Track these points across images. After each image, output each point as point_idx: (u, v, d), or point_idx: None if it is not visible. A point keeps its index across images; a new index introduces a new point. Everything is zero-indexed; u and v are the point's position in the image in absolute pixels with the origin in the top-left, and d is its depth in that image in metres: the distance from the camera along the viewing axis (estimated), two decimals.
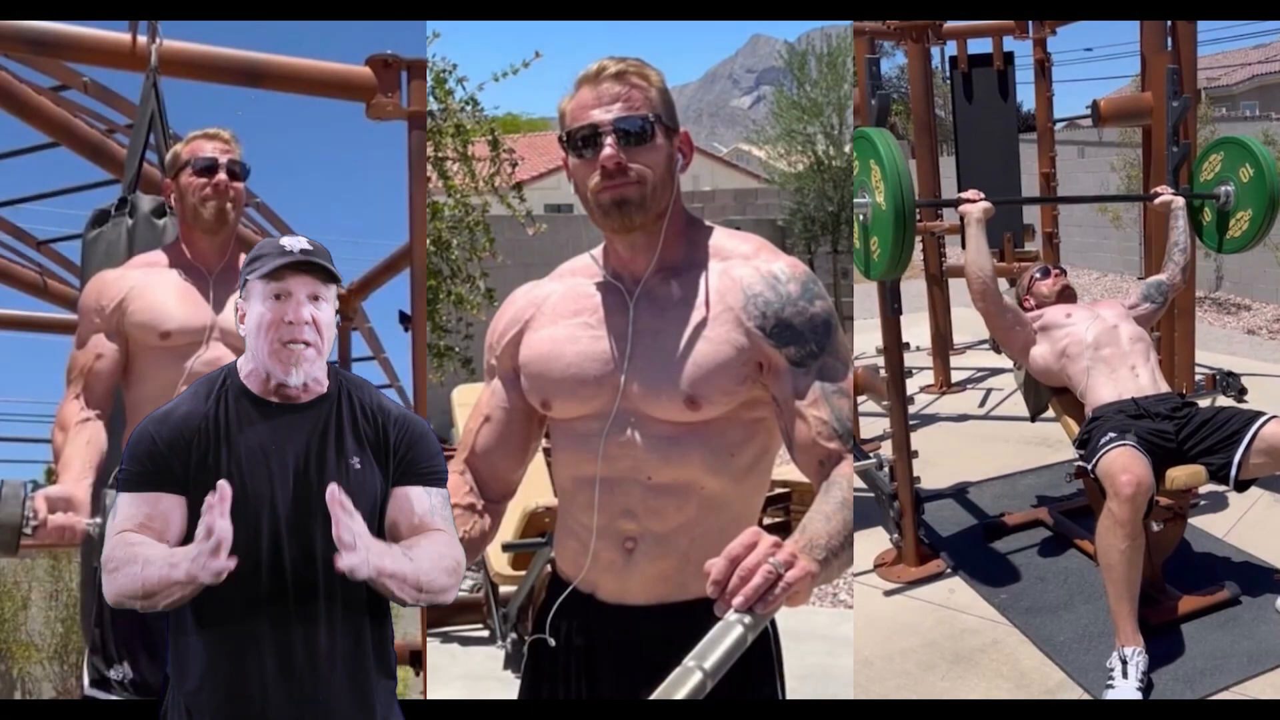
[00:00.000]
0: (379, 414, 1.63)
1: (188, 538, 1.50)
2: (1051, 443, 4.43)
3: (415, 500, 1.60)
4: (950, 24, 5.44)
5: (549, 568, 2.59)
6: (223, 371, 1.64)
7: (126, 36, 3.04)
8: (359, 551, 1.44)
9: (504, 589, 4.27)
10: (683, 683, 1.13)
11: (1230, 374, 4.19)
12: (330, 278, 1.60)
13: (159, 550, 1.47)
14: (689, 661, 1.15)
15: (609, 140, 1.49)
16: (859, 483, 3.67)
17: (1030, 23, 5.29)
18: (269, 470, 1.54)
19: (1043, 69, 5.69)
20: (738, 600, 1.19)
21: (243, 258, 2.39)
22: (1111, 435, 2.98)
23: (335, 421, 1.60)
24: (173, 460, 1.53)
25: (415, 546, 1.55)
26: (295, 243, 1.59)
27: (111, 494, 1.96)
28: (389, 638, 1.65)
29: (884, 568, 3.65)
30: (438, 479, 1.63)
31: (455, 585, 1.58)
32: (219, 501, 1.42)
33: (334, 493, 1.46)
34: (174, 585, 1.43)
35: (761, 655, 1.55)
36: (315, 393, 1.61)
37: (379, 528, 1.59)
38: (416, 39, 4.24)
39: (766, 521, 5.20)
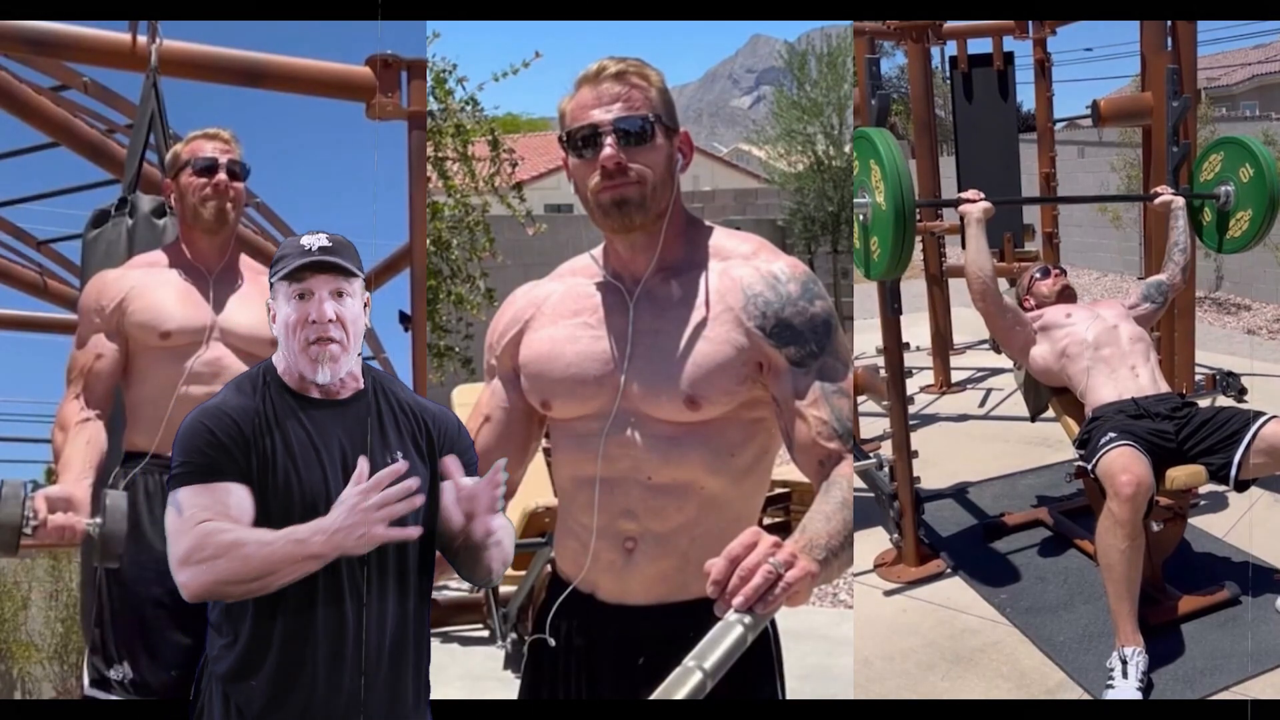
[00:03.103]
0: (417, 408, 1.67)
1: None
2: (1051, 443, 4.43)
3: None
4: (950, 24, 5.43)
5: (549, 568, 2.59)
6: (260, 368, 1.65)
7: (126, 36, 3.04)
8: (500, 517, 1.54)
9: (504, 589, 4.27)
10: (683, 683, 1.13)
11: (1230, 374, 4.19)
12: (352, 272, 1.61)
13: (270, 531, 1.49)
14: (689, 661, 1.15)
15: (609, 140, 1.49)
16: (859, 483, 3.67)
17: (1030, 23, 5.28)
18: (321, 464, 1.56)
19: (1043, 69, 5.68)
20: (738, 600, 1.19)
21: (243, 258, 2.42)
22: (1111, 435, 2.98)
23: (377, 416, 1.63)
24: (234, 450, 1.54)
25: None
26: (314, 240, 1.60)
27: (112, 494, 1.97)
28: (427, 629, 1.67)
29: (884, 568, 3.65)
30: (474, 471, 1.66)
31: (503, 571, 1.66)
32: (364, 475, 1.48)
33: (454, 464, 1.56)
34: (303, 561, 1.47)
35: (761, 655, 1.55)
36: (353, 388, 1.64)
37: (430, 521, 1.62)
38: (416, 39, 4.24)
39: (766, 521, 5.20)
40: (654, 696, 1.13)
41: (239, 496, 1.52)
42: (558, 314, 1.62)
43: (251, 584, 1.48)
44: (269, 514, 1.53)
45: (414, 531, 1.50)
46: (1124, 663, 2.76)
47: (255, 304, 2.36)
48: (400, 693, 1.60)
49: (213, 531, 1.48)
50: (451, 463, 1.57)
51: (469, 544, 1.59)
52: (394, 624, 1.58)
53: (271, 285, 1.62)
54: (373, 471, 1.55)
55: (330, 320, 1.58)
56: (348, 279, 1.61)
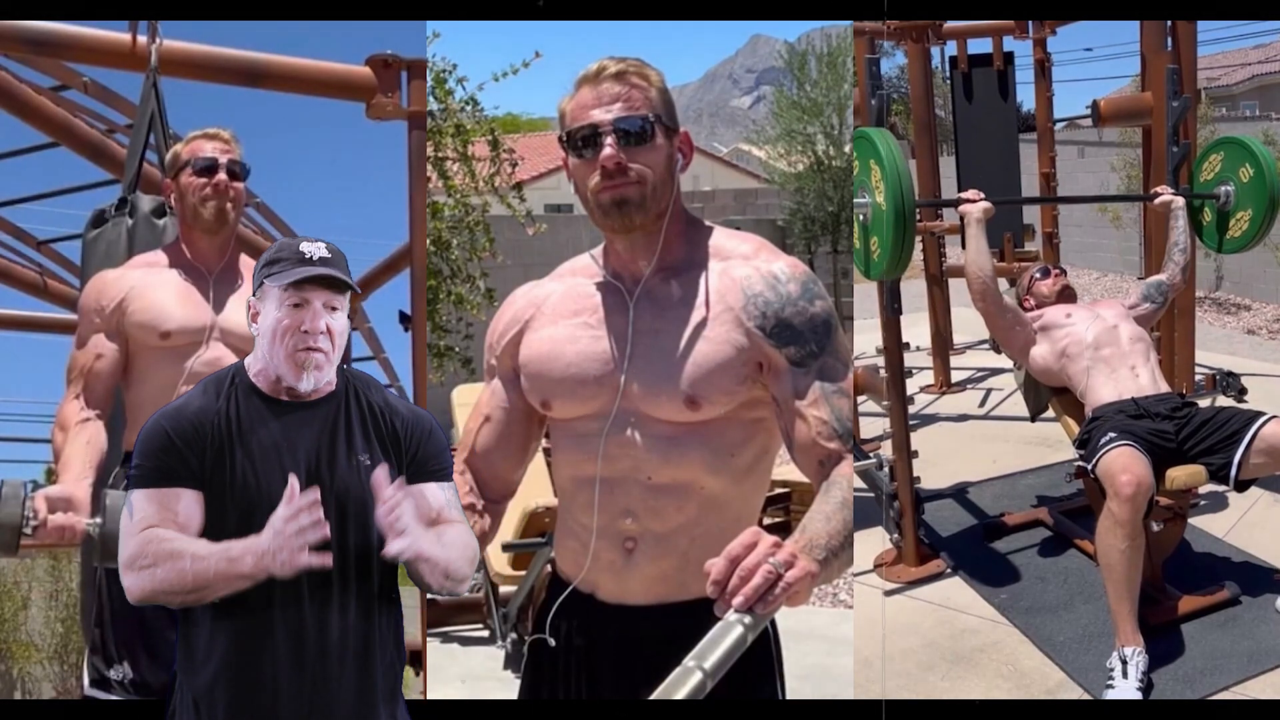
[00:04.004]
0: (387, 411, 1.65)
1: (205, 532, 1.53)
2: (1051, 443, 4.43)
3: (430, 495, 1.63)
4: (950, 24, 5.43)
5: (549, 568, 2.59)
6: (230, 370, 1.65)
7: (126, 36, 3.04)
8: (408, 536, 1.48)
9: (504, 589, 4.27)
10: (683, 683, 1.13)
11: (1230, 374, 4.19)
12: (348, 288, 1.61)
13: (207, 545, 1.49)
14: (689, 661, 1.15)
15: (609, 140, 1.49)
16: (859, 483, 3.67)
17: (1030, 23, 5.28)
18: (281, 467, 1.55)
19: (1043, 69, 5.68)
20: (738, 600, 1.19)
21: (243, 258, 2.42)
22: (1111, 435, 2.98)
23: (344, 419, 1.62)
24: (189, 455, 1.54)
25: (445, 534, 1.59)
26: (315, 249, 1.59)
27: (112, 494, 1.97)
28: (400, 630, 1.66)
29: (884, 568, 3.65)
30: (447, 475, 1.66)
31: (471, 575, 1.62)
32: (294, 494, 1.46)
33: (382, 475, 1.50)
34: (235, 579, 1.46)
35: (761, 655, 1.55)
36: (325, 391, 1.63)
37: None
38: (416, 39, 4.23)
39: (766, 521, 5.20)
40: (654, 696, 1.13)
41: (188, 502, 1.53)
42: (558, 314, 1.62)
43: (188, 595, 1.49)
44: (226, 516, 1.54)
45: (325, 559, 1.47)
46: (1124, 663, 2.76)
47: None
48: (367, 694, 1.59)
49: (154, 539, 1.49)
50: (380, 474, 1.52)
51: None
52: (357, 623, 1.58)
53: (261, 284, 1.61)
54: (334, 476, 1.56)
55: (322, 332, 1.58)
56: (342, 293, 1.61)
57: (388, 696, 1.63)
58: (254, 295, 1.63)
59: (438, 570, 1.54)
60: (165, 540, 1.49)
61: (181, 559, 1.47)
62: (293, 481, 1.48)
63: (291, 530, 1.45)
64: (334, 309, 1.60)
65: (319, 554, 1.46)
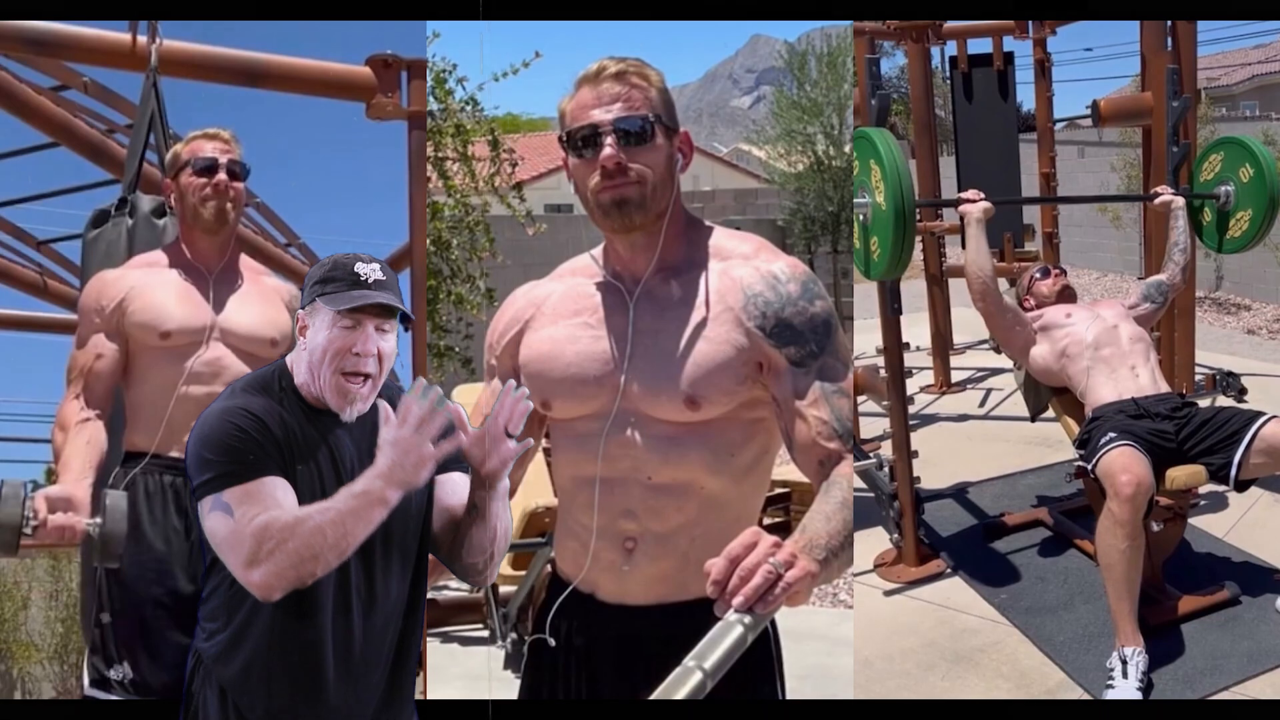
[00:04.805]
0: None
1: None
2: (1051, 443, 4.43)
3: (461, 484, 1.65)
4: (950, 24, 5.43)
5: (549, 568, 2.59)
6: (275, 372, 1.64)
7: (126, 36, 3.04)
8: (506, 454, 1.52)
9: (504, 589, 4.27)
10: (683, 683, 1.13)
11: (1230, 374, 4.19)
12: (400, 311, 1.62)
13: (323, 502, 1.48)
14: (689, 661, 1.15)
15: (609, 140, 1.49)
16: (859, 483, 3.66)
17: (1030, 23, 5.28)
18: (337, 473, 1.57)
19: (1043, 69, 5.68)
20: (738, 600, 1.19)
21: (243, 258, 2.42)
22: (1111, 435, 2.98)
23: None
24: (268, 447, 1.54)
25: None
26: (370, 271, 1.58)
27: (112, 494, 1.97)
28: (422, 623, 1.70)
29: (884, 568, 3.65)
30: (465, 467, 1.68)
31: (501, 559, 1.66)
32: (406, 414, 1.46)
33: (460, 413, 1.52)
34: (369, 509, 1.45)
35: (761, 655, 1.56)
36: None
37: (424, 524, 1.65)
38: (416, 39, 4.23)
39: (766, 521, 5.19)
40: (654, 696, 1.13)
41: (284, 489, 1.52)
42: (558, 314, 1.62)
43: (331, 552, 1.45)
44: None
45: (462, 439, 1.49)
46: (1124, 663, 2.76)
47: (255, 304, 2.36)
48: (400, 687, 1.64)
49: (270, 522, 1.46)
50: (458, 413, 1.53)
51: (476, 502, 1.57)
52: (392, 634, 1.61)
53: (312, 300, 1.60)
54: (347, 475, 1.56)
55: (372, 355, 1.58)
56: (394, 316, 1.61)
57: (411, 686, 1.67)
58: (302, 308, 1.62)
59: (500, 523, 1.58)
60: (280, 517, 1.47)
61: (309, 519, 1.45)
62: (384, 407, 1.50)
63: (409, 432, 1.45)
64: (384, 331, 1.60)
65: (446, 442, 1.47)
